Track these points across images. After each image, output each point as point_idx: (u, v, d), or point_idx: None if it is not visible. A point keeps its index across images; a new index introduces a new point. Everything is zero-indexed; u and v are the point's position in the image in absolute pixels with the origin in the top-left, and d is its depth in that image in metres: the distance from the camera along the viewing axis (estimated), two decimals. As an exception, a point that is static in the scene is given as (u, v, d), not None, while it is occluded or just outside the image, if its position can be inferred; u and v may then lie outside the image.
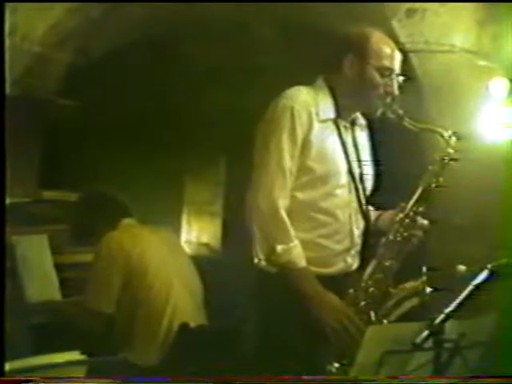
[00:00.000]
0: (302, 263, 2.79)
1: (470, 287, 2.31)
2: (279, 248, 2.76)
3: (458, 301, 2.30)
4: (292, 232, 2.79)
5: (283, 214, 2.79)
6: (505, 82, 3.59)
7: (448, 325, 2.27)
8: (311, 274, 2.80)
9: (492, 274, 2.31)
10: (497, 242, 3.44)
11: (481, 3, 3.73)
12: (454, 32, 3.81)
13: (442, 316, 2.27)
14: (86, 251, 3.84)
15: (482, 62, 3.76)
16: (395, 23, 3.84)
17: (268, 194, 2.79)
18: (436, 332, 2.25)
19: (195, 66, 4.97)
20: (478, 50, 3.78)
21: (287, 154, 2.81)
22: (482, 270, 2.33)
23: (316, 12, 4.11)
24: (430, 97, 3.91)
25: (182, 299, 3.52)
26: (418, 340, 2.23)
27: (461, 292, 2.31)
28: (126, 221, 3.68)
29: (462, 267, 2.73)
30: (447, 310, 2.28)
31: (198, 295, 3.67)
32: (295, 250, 2.78)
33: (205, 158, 5.61)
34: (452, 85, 3.88)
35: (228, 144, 5.47)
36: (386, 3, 3.86)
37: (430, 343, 2.25)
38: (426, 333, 2.24)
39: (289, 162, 2.81)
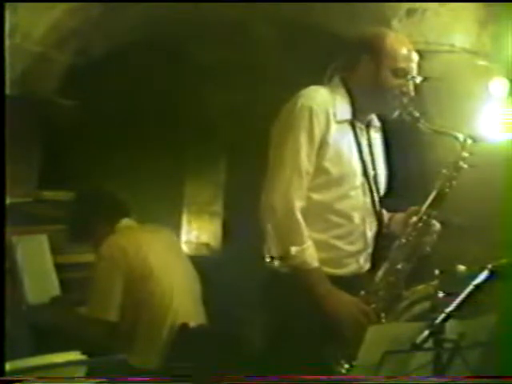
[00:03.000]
0: (315, 263, 2.78)
1: (470, 287, 2.31)
2: (293, 250, 2.75)
3: (458, 301, 2.30)
4: (306, 233, 2.78)
5: (298, 215, 2.78)
6: (505, 82, 3.59)
7: (448, 325, 2.27)
8: (323, 274, 2.80)
9: (492, 273, 2.31)
10: (497, 242, 3.44)
11: (481, 3, 3.73)
12: (454, 32, 3.81)
13: (442, 316, 2.28)
14: (86, 251, 3.84)
15: (481, 62, 3.76)
16: (395, 23, 3.84)
17: (284, 195, 2.77)
18: (436, 332, 2.25)
19: (195, 65, 4.97)
20: (477, 50, 3.78)
21: (304, 154, 2.79)
22: (482, 270, 2.33)
23: (316, 12, 4.11)
24: (429, 97, 3.91)
25: (184, 302, 3.50)
26: (418, 340, 2.23)
27: (461, 292, 2.31)
28: (125, 221, 3.63)
29: (462, 267, 2.73)
30: (447, 310, 2.29)
31: (199, 297, 3.65)
32: (308, 251, 2.77)
33: (205, 157, 5.61)
34: (452, 85, 3.88)
35: (228, 144, 5.47)
36: (386, 3, 3.86)
37: (430, 343, 2.25)
38: (426, 333, 2.24)
39: (306, 163, 2.79)
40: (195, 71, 5.00)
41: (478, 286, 2.31)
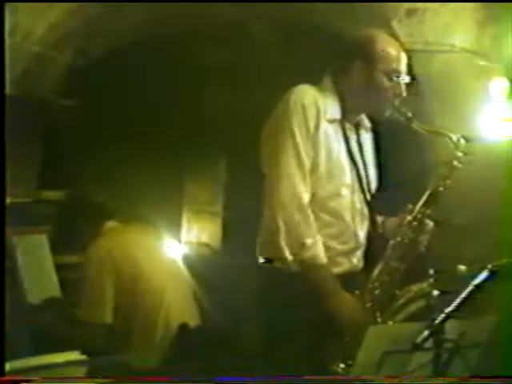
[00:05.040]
0: (325, 259, 2.80)
1: (470, 287, 2.31)
2: (309, 241, 2.77)
3: (458, 301, 2.30)
4: (315, 226, 2.80)
5: (308, 209, 2.80)
6: (505, 81, 3.59)
7: (448, 325, 2.27)
8: (332, 272, 2.81)
9: (492, 273, 2.31)
10: (497, 242, 3.44)
11: (481, 3, 3.73)
12: (454, 32, 3.81)
13: (442, 316, 2.27)
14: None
15: (481, 62, 3.76)
16: (395, 23, 3.83)
17: (292, 190, 2.79)
18: (436, 332, 2.25)
19: (195, 65, 4.97)
20: (477, 50, 3.77)
21: (303, 148, 2.82)
22: (481, 270, 2.33)
23: (316, 12, 4.11)
24: (429, 97, 3.91)
25: (175, 299, 3.51)
26: (418, 340, 2.23)
27: (461, 292, 2.31)
28: (109, 223, 3.63)
29: (462, 267, 2.73)
30: (447, 310, 2.28)
31: (189, 293, 3.65)
32: (319, 245, 2.80)
33: (205, 157, 5.61)
34: (452, 85, 3.88)
35: (228, 144, 5.46)
36: (386, 3, 3.86)
37: (430, 343, 2.25)
38: (426, 333, 2.24)
39: (305, 157, 2.82)
40: (195, 71, 5.00)
41: (478, 286, 2.31)
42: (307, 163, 2.82)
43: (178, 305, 3.52)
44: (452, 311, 2.28)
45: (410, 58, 2.99)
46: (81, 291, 3.46)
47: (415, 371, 2.31)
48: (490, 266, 2.32)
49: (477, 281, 2.32)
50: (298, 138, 2.80)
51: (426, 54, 3.85)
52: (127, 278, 3.43)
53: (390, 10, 3.85)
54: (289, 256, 2.78)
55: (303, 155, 2.81)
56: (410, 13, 3.84)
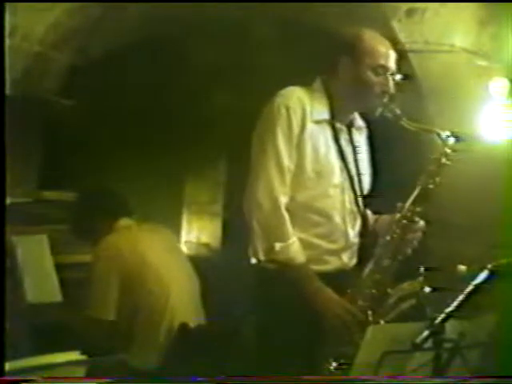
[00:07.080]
0: (301, 259, 2.80)
1: (470, 287, 2.31)
2: (277, 246, 2.78)
3: (458, 301, 2.30)
4: (291, 229, 2.80)
5: (284, 211, 2.81)
6: (505, 82, 3.59)
7: (448, 325, 2.27)
8: (310, 271, 2.81)
9: (492, 273, 2.31)
10: (497, 241, 3.44)
11: (481, 3, 3.73)
12: (454, 32, 3.81)
13: (442, 316, 2.27)
14: (86, 251, 3.83)
15: (481, 62, 3.76)
16: (395, 23, 3.84)
17: (269, 192, 2.81)
18: (436, 332, 2.25)
19: (195, 65, 4.97)
20: (477, 50, 3.78)
21: (284, 150, 2.83)
22: (481, 270, 2.33)
23: (316, 12, 4.11)
24: (429, 97, 3.91)
25: (181, 301, 3.49)
26: (418, 340, 2.23)
27: (461, 292, 2.31)
28: (123, 221, 3.64)
29: (462, 267, 2.73)
30: (447, 310, 2.28)
31: (197, 296, 3.65)
32: (293, 248, 2.80)
33: (205, 158, 5.61)
34: (452, 85, 3.88)
35: (228, 144, 5.47)
36: (386, 3, 3.86)
37: (430, 343, 2.25)
38: (426, 333, 2.24)
39: (287, 159, 2.83)
40: (195, 71, 5.00)
41: (477, 286, 2.31)
42: (288, 166, 2.83)
43: (185, 305, 3.51)
44: (452, 311, 2.28)
45: (405, 58, 2.98)
46: (88, 287, 3.46)
47: (415, 371, 2.31)
48: (489, 266, 2.32)
49: (477, 281, 2.32)
50: (280, 141, 2.82)
51: (426, 54, 3.85)
52: (133, 276, 3.43)
53: (389, 10, 3.86)
54: (262, 257, 2.80)
55: (284, 158, 2.82)
56: (409, 13, 3.84)
